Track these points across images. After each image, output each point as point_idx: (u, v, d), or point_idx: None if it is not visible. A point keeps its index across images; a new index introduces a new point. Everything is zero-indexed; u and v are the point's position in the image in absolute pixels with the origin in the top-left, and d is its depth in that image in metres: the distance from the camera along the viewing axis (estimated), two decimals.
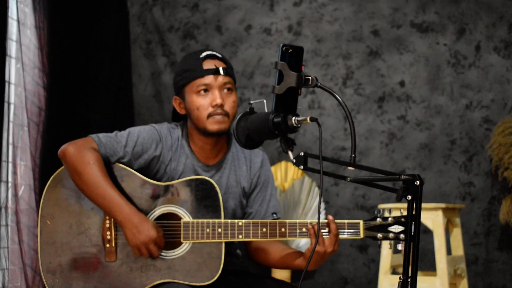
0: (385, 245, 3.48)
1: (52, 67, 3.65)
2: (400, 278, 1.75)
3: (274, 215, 2.42)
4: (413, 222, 1.74)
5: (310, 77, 1.77)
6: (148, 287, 2.23)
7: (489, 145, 4.11)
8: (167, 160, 2.32)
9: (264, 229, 2.21)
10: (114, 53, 4.29)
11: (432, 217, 3.56)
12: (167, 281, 2.23)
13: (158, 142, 2.32)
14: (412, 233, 1.74)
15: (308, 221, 2.20)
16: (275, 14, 4.54)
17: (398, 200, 1.76)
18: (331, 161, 1.89)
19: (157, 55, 4.69)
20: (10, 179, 3.37)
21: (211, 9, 4.63)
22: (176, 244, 2.24)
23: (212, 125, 2.28)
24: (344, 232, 2.19)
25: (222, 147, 2.39)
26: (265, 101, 1.98)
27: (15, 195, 3.38)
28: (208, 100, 2.28)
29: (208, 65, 2.29)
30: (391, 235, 2.14)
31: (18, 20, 3.47)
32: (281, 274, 4.02)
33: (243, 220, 2.22)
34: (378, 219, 2.16)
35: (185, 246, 2.24)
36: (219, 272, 2.21)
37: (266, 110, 1.86)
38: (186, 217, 2.24)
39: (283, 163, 4.39)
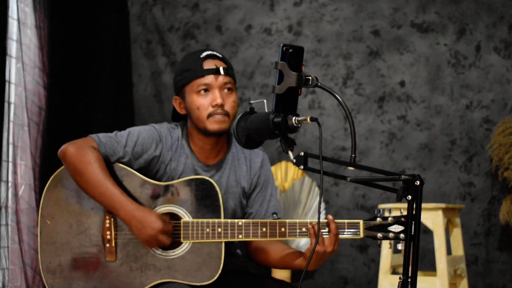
0: (385, 245, 3.48)
1: (53, 66, 3.65)
2: (400, 278, 1.75)
3: (275, 215, 2.42)
4: (413, 222, 1.74)
5: (310, 77, 1.77)
6: (148, 287, 2.23)
7: (489, 145, 4.11)
8: (167, 160, 2.32)
9: (264, 229, 2.21)
10: (114, 53, 4.29)
11: (432, 217, 3.56)
12: (167, 281, 2.23)
13: (158, 142, 2.32)
14: (412, 233, 1.74)
15: (308, 221, 2.20)
16: (275, 14, 4.54)
17: (398, 200, 1.76)
18: (331, 161, 1.89)
19: (157, 55, 4.69)
20: (10, 178, 3.37)
21: (211, 9, 4.63)
22: (176, 244, 2.24)
23: (212, 125, 2.28)
24: (344, 231, 2.19)
25: (222, 147, 2.38)
26: (265, 101, 1.98)
27: (15, 194, 3.38)
28: (209, 100, 2.28)
29: (208, 65, 2.29)
30: (391, 234, 2.14)
31: (18, 20, 3.47)
32: (281, 274, 4.02)
33: (243, 220, 2.22)
34: (378, 218, 2.16)
35: (185, 246, 2.24)
36: (219, 272, 2.21)
37: (266, 110, 1.86)
38: (186, 217, 2.24)
39: (283, 163, 4.39)
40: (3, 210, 3.35)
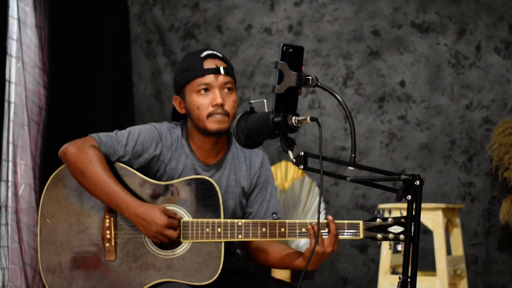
0: (385, 245, 3.49)
1: (53, 66, 3.65)
2: (399, 278, 1.75)
3: (274, 215, 2.42)
4: (412, 223, 1.74)
5: (310, 77, 1.77)
6: (148, 286, 2.23)
7: (489, 145, 4.11)
8: (167, 160, 2.32)
9: (264, 229, 2.21)
10: (114, 53, 4.29)
11: (432, 217, 3.56)
12: (167, 281, 2.23)
13: (158, 141, 2.32)
14: (412, 234, 1.74)
15: (308, 221, 2.20)
16: (275, 14, 4.54)
17: (398, 200, 1.76)
18: (331, 161, 1.89)
19: (158, 54, 4.69)
20: (10, 178, 3.37)
21: (212, 9, 4.63)
22: (176, 244, 2.24)
23: (212, 125, 2.28)
24: (344, 232, 2.19)
25: (222, 147, 2.38)
26: (265, 100, 1.98)
27: (15, 194, 3.38)
28: (209, 99, 2.28)
29: (208, 64, 2.29)
30: (390, 235, 2.14)
31: (18, 19, 3.47)
32: (281, 274, 4.02)
33: (243, 220, 2.22)
34: (378, 219, 2.16)
35: (184, 246, 2.24)
36: (219, 271, 2.21)
37: (266, 110, 1.86)
38: (185, 217, 2.25)
39: (283, 163, 4.39)
40: (3, 209, 3.35)
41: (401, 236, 2.12)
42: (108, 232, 2.25)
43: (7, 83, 3.32)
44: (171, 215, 2.20)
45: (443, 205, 3.58)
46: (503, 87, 4.23)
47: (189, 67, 2.30)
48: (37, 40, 3.58)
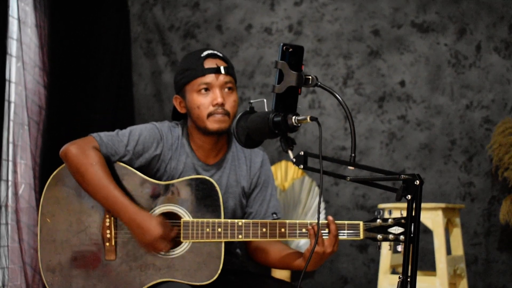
0: (385, 245, 3.49)
1: (53, 66, 3.65)
2: (399, 277, 1.75)
3: (274, 215, 2.42)
4: (412, 224, 1.74)
5: (310, 77, 1.77)
6: (148, 286, 2.23)
7: (489, 145, 4.11)
8: (168, 159, 2.32)
9: (264, 229, 2.21)
10: (114, 52, 4.29)
11: (432, 217, 3.56)
12: (167, 280, 2.23)
13: (159, 141, 2.32)
14: (412, 235, 1.74)
15: (308, 221, 2.20)
16: (275, 14, 4.54)
17: (398, 199, 1.76)
18: (331, 160, 1.89)
19: (158, 54, 4.69)
20: (10, 177, 3.37)
21: (212, 9, 4.63)
22: (176, 244, 2.24)
23: (213, 124, 2.28)
24: (344, 233, 2.19)
25: (222, 147, 2.38)
26: (265, 100, 1.98)
27: (15, 193, 3.38)
28: (209, 99, 2.28)
29: (209, 64, 2.29)
30: (391, 236, 2.14)
31: (18, 19, 3.47)
32: (281, 274, 4.02)
33: (243, 220, 2.22)
34: (378, 220, 2.16)
35: (185, 246, 2.24)
36: (219, 271, 2.21)
37: (266, 109, 1.86)
38: (186, 217, 2.24)
39: (283, 163, 4.39)
40: (3, 209, 3.35)
41: (401, 237, 2.12)
42: (108, 231, 2.25)
43: (7, 83, 3.32)
44: (167, 227, 2.19)
45: (443, 205, 3.58)
46: (503, 87, 4.23)
47: (190, 67, 2.30)
48: (37, 40, 3.58)
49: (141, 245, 2.21)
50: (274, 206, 2.43)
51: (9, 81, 3.36)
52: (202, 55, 2.30)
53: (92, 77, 4.08)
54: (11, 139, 3.38)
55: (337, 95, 1.75)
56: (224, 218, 2.24)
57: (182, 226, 2.23)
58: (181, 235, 2.23)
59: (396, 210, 3.46)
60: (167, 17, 4.68)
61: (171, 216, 2.26)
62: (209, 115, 2.27)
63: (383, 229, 2.15)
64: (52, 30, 3.65)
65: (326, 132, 4.40)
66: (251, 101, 1.98)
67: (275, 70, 1.76)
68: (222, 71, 2.28)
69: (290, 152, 1.83)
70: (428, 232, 3.79)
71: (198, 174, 2.32)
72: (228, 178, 2.37)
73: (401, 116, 4.36)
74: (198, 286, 2.22)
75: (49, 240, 2.27)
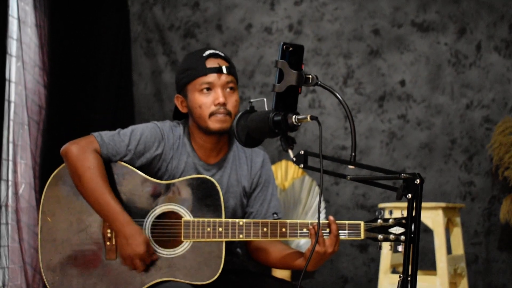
0: (385, 245, 3.48)
1: (53, 65, 3.65)
2: (400, 277, 1.75)
3: (275, 215, 2.41)
4: (413, 223, 1.74)
5: (310, 76, 1.76)
6: (148, 285, 2.23)
7: (489, 144, 4.11)
8: (169, 158, 2.32)
9: (265, 229, 2.21)
10: (114, 52, 4.29)
11: (432, 216, 3.56)
12: (167, 280, 2.23)
13: (161, 140, 2.32)
14: (412, 234, 1.74)
15: (309, 221, 2.19)
16: (275, 13, 4.54)
17: (398, 198, 1.76)
18: (331, 159, 1.88)
19: (158, 53, 4.69)
20: (10, 177, 3.37)
21: (212, 8, 4.63)
22: (177, 243, 2.24)
23: (214, 124, 2.28)
24: (345, 233, 2.19)
25: (223, 146, 2.38)
26: (265, 99, 1.97)
27: (16, 193, 3.37)
28: (211, 98, 2.28)
29: (211, 63, 2.28)
30: (391, 236, 2.14)
31: (18, 18, 3.47)
32: (281, 273, 4.02)
33: (244, 220, 2.22)
34: (379, 220, 2.16)
35: (185, 245, 2.24)
36: (220, 271, 2.21)
37: (266, 109, 1.86)
38: (187, 216, 2.24)
39: (283, 162, 4.39)
40: (3, 208, 3.35)
41: (402, 237, 2.12)
42: (109, 231, 2.25)
43: (7, 82, 3.32)
44: (150, 249, 2.20)
45: (443, 204, 3.57)
46: (503, 87, 4.23)
47: (192, 66, 2.29)
48: (37, 40, 3.58)
49: (120, 255, 2.21)
50: (275, 206, 2.43)
51: (9, 81, 3.36)
52: (204, 55, 2.29)
53: (92, 77, 4.08)
54: (11, 139, 3.37)
55: (337, 93, 1.75)
56: (225, 217, 2.24)
57: (183, 225, 2.23)
58: (182, 234, 2.23)
59: (397, 210, 3.45)
60: (167, 17, 4.68)
61: (172, 216, 2.26)
62: (211, 114, 2.27)
63: (384, 229, 2.15)
64: (52, 29, 3.65)
65: (326, 131, 4.40)
66: (251, 100, 1.98)
67: (275, 69, 1.76)
68: (224, 70, 2.28)
69: (290, 151, 1.83)
70: (429, 231, 3.79)
71: (199, 173, 2.32)
72: (229, 178, 2.37)
73: (401, 116, 4.35)
74: (199, 285, 2.22)
75: (49, 240, 2.27)
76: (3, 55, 3.28)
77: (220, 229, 2.21)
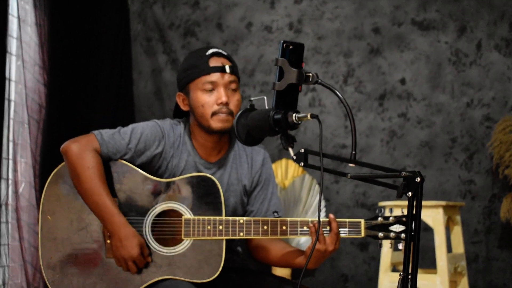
0: (386, 243, 3.48)
1: (53, 64, 3.65)
2: (400, 275, 1.75)
3: (275, 213, 2.41)
4: (413, 222, 1.74)
5: (310, 74, 1.76)
6: (148, 283, 2.23)
7: (490, 143, 4.11)
8: (169, 157, 2.32)
9: (265, 227, 2.21)
10: (114, 51, 4.29)
11: (432, 215, 3.56)
12: (168, 278, 2.23)
13: (161, 139, 2.31)
14: (412, 232, 1.74)
15: (310, 219, 2.19)
16: (276, 12, 4.54)
17: (399, 196, 1.76)
18: (332, 157, 1.88)
19: (158, 52, 4.68)
20: (10, 176, 3.37)
21: (212, 7, 4.62)
22: (177, 241, 2.24)
23: (216, 123, 2.27)
24: (345, 231, 2.19)
25: (224, 145, 2.38)
26: (265, 97, 1.97)
27: (16, 192, 3.38)
28: (214, 97, 2.27)
29: (214, 62, 2.28)
30: (392, 234, 2.14)
31: (18, 17, 3.47)
32: (281, 271, 4.02)
33: (244, 218, 2.22)
34: (380, 218, 2.16)
35: (186, 243, 2.23)
36: (220, 269, 2.21)
37: (266, 107, 1.85)
38: (187, 214, 2.24)
39: (283, 161, 4.39)
40: (3, 207, 3.35)
41: (402, 235, 2.12)
42: None
43: (7, 81, 3.32)
44: (144, 251, 2.21)
45: (443, 203, 3.57)
46: (503, 85, 4.23)
47: (195, 65, 2.29)
48: (37, 38, 3.58)
49: (114, 256, 2.21)
50: (275, 205, 2.43)
51: (9, 80, 3.36)
52: (207, 53, 2.29)
53: (92, 76, 4.08)
54: (11, 138, 3.37)
55: (337, 91, 1.75)
56: (225, 216, 2.24)
57: (183, 223, 2.22)
58: (182, 232, 2.23)
59: (397, 208, 3.46)
60: (167, 15, 4.68)
61: (172, 214, 2.26)
62: (213, 114, 2.27)
63: (384, 227, 2.15)
64: (52, 28, 3.65)
65: (327, 130, 4.40)
66: (252, 98, 1.98)
67: (275, 67, 1.76)
68: (227, 70, 2.27)
69: (290, 150, 1.82)
70: (429, 230, 3.79)
71: (199, 172, 2.32)
72: (229, 176, 2.37)
73: (401, 114, 4.35)
74: (199, 283, 2.22)
75: (49, 238, 2.27)
76: (3, 53, 3.28)
77: (221, 227, 2.21)
